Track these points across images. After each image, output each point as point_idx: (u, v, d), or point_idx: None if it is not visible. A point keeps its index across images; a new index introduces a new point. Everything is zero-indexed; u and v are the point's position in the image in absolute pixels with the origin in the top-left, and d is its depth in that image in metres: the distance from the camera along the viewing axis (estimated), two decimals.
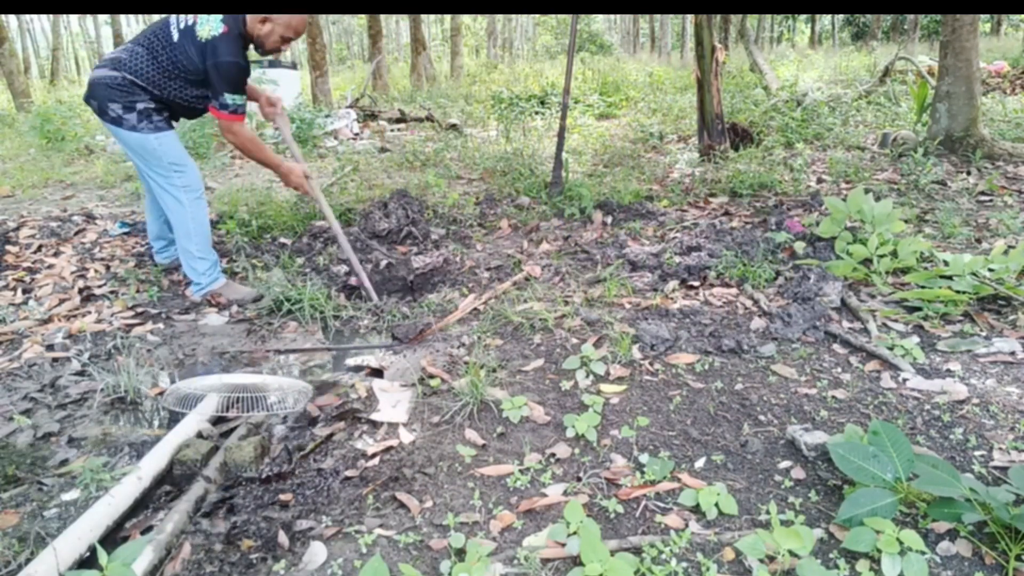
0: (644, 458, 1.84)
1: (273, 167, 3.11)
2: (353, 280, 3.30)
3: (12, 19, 25.34)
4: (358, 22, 33.68)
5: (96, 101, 2.88)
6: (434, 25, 36.11)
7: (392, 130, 9.23)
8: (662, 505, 1.67)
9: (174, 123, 3.06)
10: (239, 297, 3.15)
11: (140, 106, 2.88)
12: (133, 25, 36.87)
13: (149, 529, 1.64)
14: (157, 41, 2.84)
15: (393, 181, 5.65)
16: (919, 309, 2.70)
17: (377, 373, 2.45)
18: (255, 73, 8.05)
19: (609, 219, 4.27)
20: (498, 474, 1.81)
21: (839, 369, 2.32)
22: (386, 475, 1.82)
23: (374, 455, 1.91)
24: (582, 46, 23.95)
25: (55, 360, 2.58)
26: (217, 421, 2.14)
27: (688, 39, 24.71)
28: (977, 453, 1.82)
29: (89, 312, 3.05)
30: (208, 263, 3.13)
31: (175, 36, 2.80)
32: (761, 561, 1.44)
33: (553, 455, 1.88)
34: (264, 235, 4.13)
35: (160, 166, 2.96)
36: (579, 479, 1.78)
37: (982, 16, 12.67)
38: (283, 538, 1.58)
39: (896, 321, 2.65)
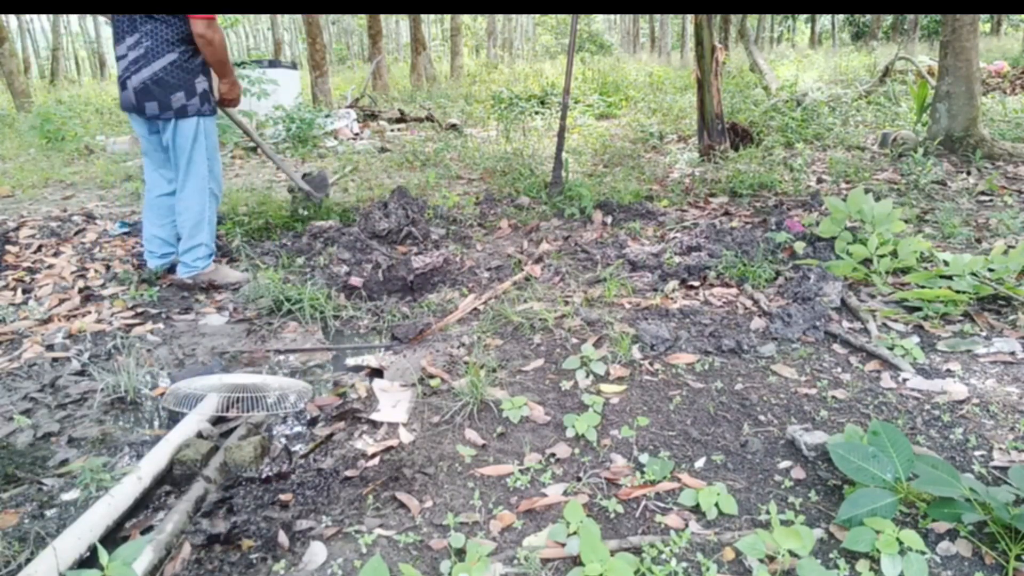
0: (644, 458, 1.84)
1: (227, 73, 3.20)
2: (354, 280, 3.30)
3: (12, 19, 25.34)
4: (358, 22, 33.68)
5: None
6: (434, 25, 36.11)
7: (392, 130, 9.23)
8: (662, 505, 1.67)
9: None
10: (230, 281, 3.24)
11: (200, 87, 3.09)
12: None
13: (149, 529, 1.64)
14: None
15: (393, 181, 5.65)
16: (919, 309, 2.70)
17: (377, 373, 2.45)
18: (255, 73, 8.05)
19: (609, 219, 4.27)
20: (498, 474, 1.81)
21: (839, 369, 2.32)
22: (386, 475, 1.82)
23: (374, 455, 1.91)
24: (582, 46, 23.94)
25: (55, 360, 2.58)
26: (217, 421, 2.14)
27: (688, 39, 24.70)
28: (977, 453, 1.82)
29: (89, 312, 3.05)
30: (209, 251, 3.26)
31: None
32: (761, 561, 1.44)
33: (553, 455, 1.88)
34: (264, 235, 4.13)
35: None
36: (579, 479, 1.78)
37: (982, 16, 12.66)
38: (283, 538, 1.58)
39: (896, 321, 2.65)
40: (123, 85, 3.06)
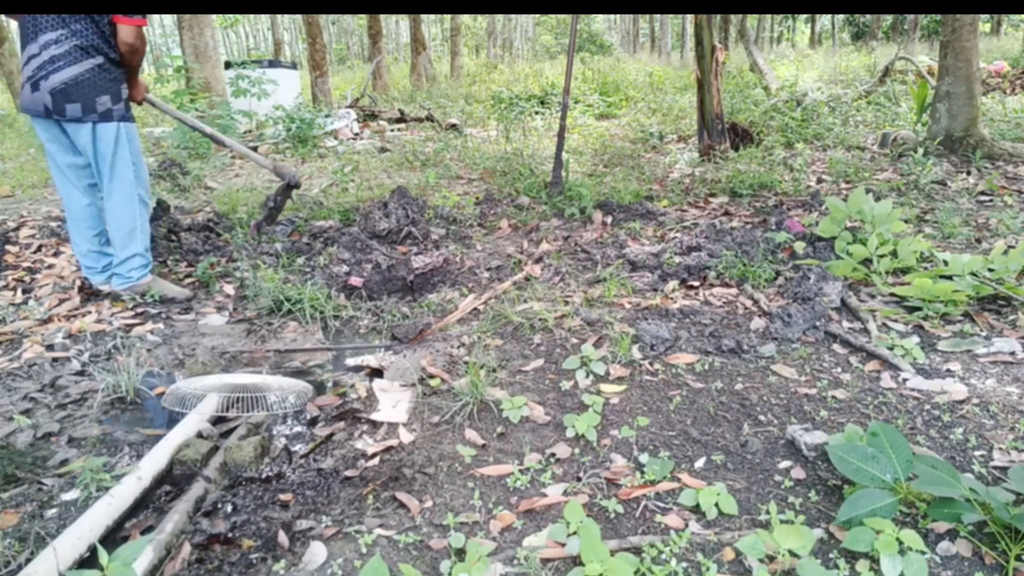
0: (644, 458, 1.84)
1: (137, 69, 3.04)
2: (354, 280, 3.30)
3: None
4: (358, 22, 33.68)
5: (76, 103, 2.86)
6: (434, 25, 36.10)
7: (392, 130, 9.23)
8: (662, 505, 1.67)
9: None
10: (167, 295, 3.16)
11: (125, 93, 2.99)
12: None
13: (149, 529, 1.64)
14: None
15: (393, 181, 5.66)
16: (919, 309, 2.70)
17: (377, 373, 2.45)
18: (255, 73, 8.05)
19: (609, 219, 4.27)
20: (498, 474, 1.81)
21: (839, 369, 2.32)
22: (386, 475, 1.82)
23: (374, 455, 1.91)
24: (582, 46, 23.94)
25: (55, 360, 2.58)
26: (217, 421, 2.14)
27: (688, 39, 24.70)
28: (977, 453, 1.82)
29: (89, 312, 3.05)
30: (145, 261, 3.15)
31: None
32: (761, 561, 1.44)
33: (553, 455, 1.88)
34: (263, 235, 4.13)
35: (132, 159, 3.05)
36: (579, 479, 1.78)
37: (982, 16, 12.66)
38: (283, 538, 1.58)
39: (896, 321, 2.65)
40: (35, 86, 2.83)
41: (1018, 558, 1.42)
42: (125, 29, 2.83)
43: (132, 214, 3.05)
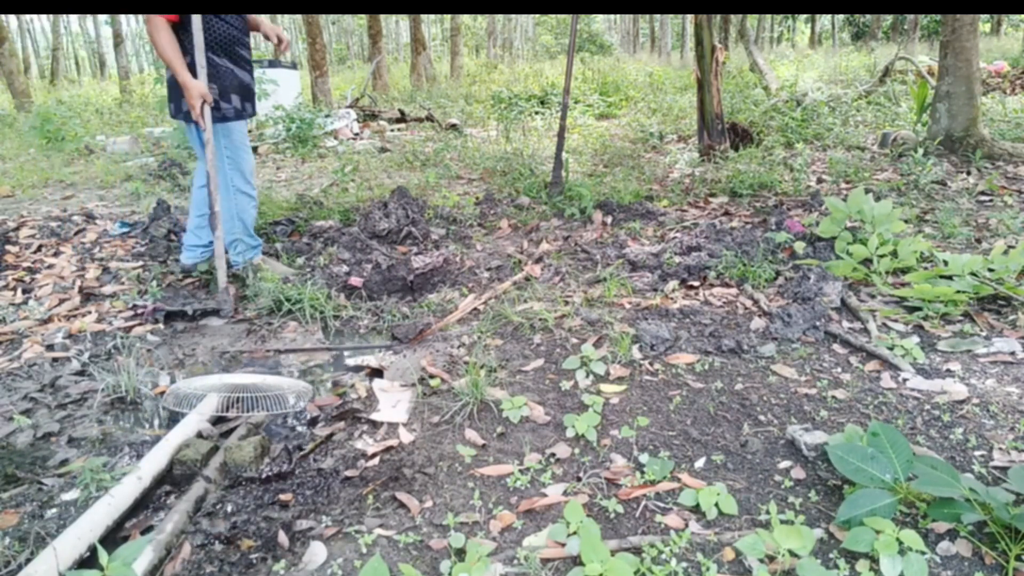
0: (644, 458, 1.84)
1: (175, 70, 2.97)
2: (354, 280, 3.30)
3: (12, 19, 25.34)
4: (358, 22, 33.68)
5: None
6: (434, 25, 36.10)
7: (392, 130, 9.23)
8: (662, 505, 1.67)
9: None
10: (277, 273, 3.34)
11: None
12: (133, 25, 36.91)
13: (149, 529, 1.64)
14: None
15: (393, 181, 5.65)
16: (919, 309, 2.70)
17: (377, 373, 2.45)
18: (255, 73, 8.06)
19: (609, 219, 4.27)
20: (498, 474, 1.81)
21: (839, 369, 2.32)
22: (386, 475, 1.82)
23: (374, 455, 1.91)
24: (582, 46, 23.94)
25: (55, 360, 2.58)
26: (217, 421, 2.14)
27: (688, 39, 24.70)
28: (977, 453, 1.82)
29: (89, 312, 3.05)
30: (249, 245, 3.41)
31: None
32: (761, 561, 1.44)
33: (553, 455, 1.88)
34: (263, 235, 4.13)
35: None
36: (579, 479, 1.78)
37: (982, 16, 12.66)
38: (283, 538, 1.58)
39: (896, 321, 2.65)
40: None
41: (1018, 558, 1.42)
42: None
43: (228, 204, 3.25)
